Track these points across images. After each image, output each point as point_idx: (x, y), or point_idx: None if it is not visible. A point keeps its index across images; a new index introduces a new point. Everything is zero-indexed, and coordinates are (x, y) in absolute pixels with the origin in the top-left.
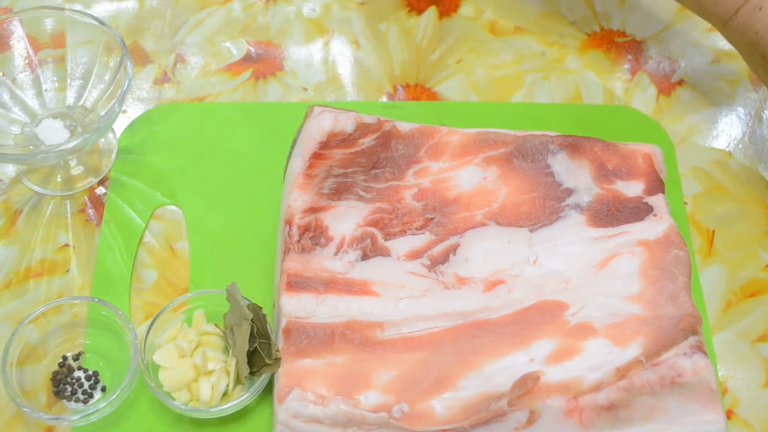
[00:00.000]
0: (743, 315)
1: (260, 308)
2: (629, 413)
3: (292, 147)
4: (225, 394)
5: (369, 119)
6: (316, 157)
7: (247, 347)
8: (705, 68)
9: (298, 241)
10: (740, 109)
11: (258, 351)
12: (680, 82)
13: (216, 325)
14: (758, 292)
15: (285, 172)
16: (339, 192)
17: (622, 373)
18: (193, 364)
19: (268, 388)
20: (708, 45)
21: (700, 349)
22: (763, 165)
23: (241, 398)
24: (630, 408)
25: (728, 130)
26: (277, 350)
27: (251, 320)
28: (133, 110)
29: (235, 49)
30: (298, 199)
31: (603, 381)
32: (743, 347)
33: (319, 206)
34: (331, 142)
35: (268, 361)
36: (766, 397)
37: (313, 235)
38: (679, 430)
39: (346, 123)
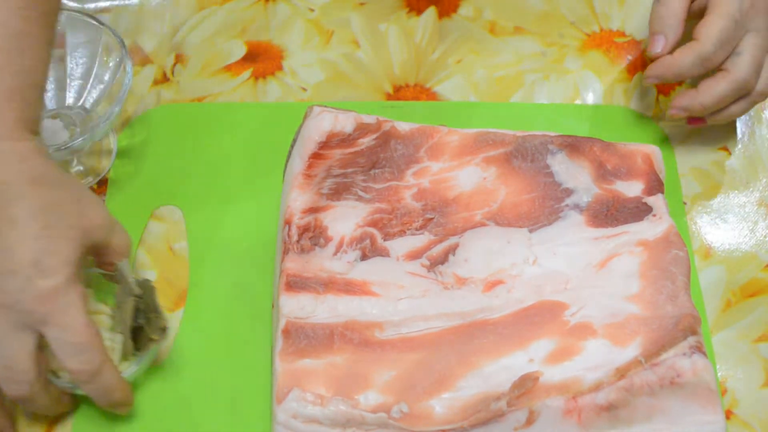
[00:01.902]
0: (743, 315)
1: (149, 282)
2: (628, 413)
3: (292, 147)
4: None
5: (368, 119)
6: (316, 157)
7: (131, 324)
8: None
9: (298, 241)
10: None
11: (143, 327)
12: (679, 84)
13: (104, 303)
14: (757, 292)
15: (284, 172)
16: (338, 192)
17: (621, 373)
18: None
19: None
20: None
21: (699, 349)
22: (763, 165)
23: (124, 373)
24: (629, 408)
25: (728, 130)
26: (165, 322)
27: (137, 296)
28: (132, 110)
29: (235, 49)
30: (297, 199)
31: (602, 381)
32: (743, 347)
33: (319, 206)
34: (330, 142)
35: (153, 337)
36: (766, 397)
37: (312, 236)
38: (679, 430)
39: (346, 123)
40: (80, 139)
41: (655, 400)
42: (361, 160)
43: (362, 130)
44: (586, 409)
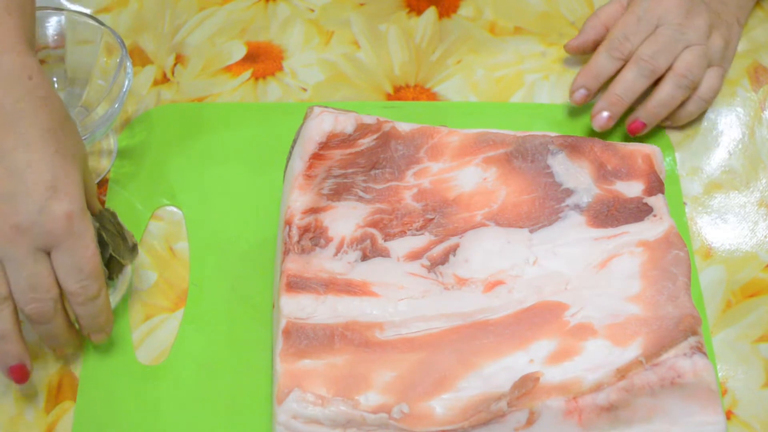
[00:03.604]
0: (743, 315)
1: (107, 210)
2: (629, 414)
3: (292, 147)
4: None
5: (369, 120)
6: (316, 157)
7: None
8: None
9: (298, 241)
10: (740, 110)
11: (112, 256)
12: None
13: None
14: (758, 293)
15: (285, 173)
16: (339, 193)
17: (622, 373)
18: None
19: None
20: None
21: (699, 349)
22: (763, 165)
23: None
24: (630, 408)
25: (728, 131)
26: (133, 240)
27: (100, 226)
28: (132, 111)
29: (235, 49)
30: (297, 199)
31: (603, 381)
32: (743, 347)
33: (319, 207)
34: (330, 142)
35: (124, 262)
36: (766, 397)
37: (312, 236)
38: (679, 431)
39: (346, 124)
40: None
41: (655, 401)
42: (362, 161)
43: (362, 130)
44: (587, 410)
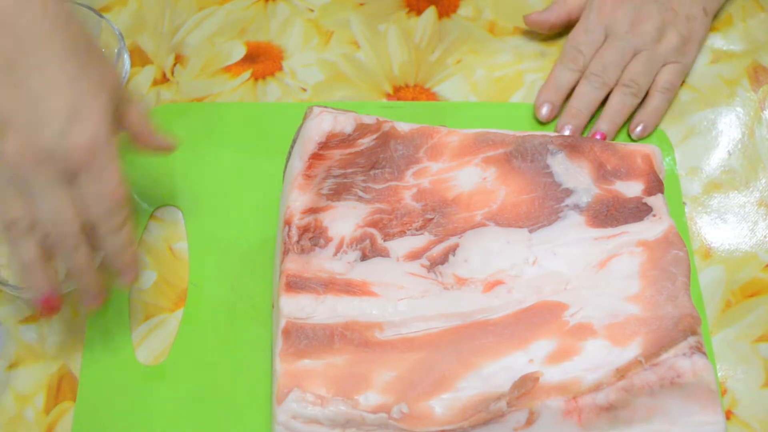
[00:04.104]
0: (743, 315)
1: None
2: (628, 414)
3: (291, 147)
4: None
5: (368, 120)
6: (316, 157)
7: None
8: (704, 68)
9: (298, 241)
10: (740, 110)
11: None
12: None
13: None
14: (758, 293)
15: (284, 173)
16: (338, 192)
17: (621, 373)
18: None
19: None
20: (707, 45)
21: (699, 349)
22: (763, 165)
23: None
24: (629, 408)
25: (728, 131)
26: None
27: None
28: None
29: (234, 49)
30: (297, 199)
31: (602, 381)
32: (743, 347)
33: (319, 207)
34: (330, 142)
35: None
36: (766, 397)
37: (312, 236)
38: (679, 431)
39: (346, 123)
40: None
41: (655, 401)
42: (361, 161)
43: (362, 130)
44: (586, 410)
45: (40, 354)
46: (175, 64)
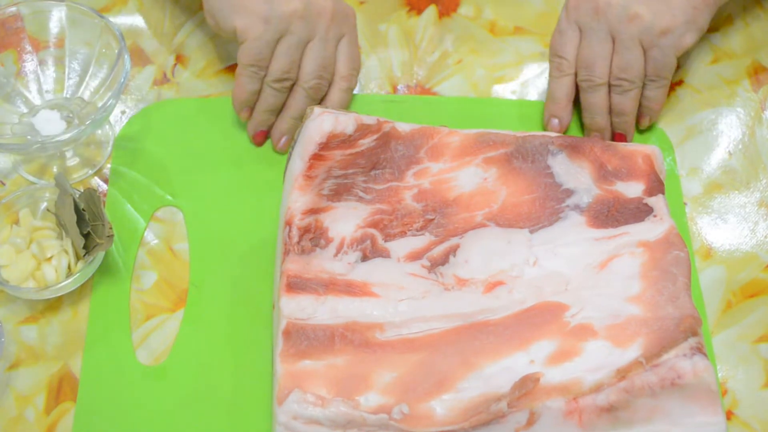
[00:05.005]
0: (743, 316)
1: (94, 192)
2: (629, 414)
3: (292, 148)
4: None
5: (369, 120)
6: (316, 158)
7: (75, 218)
8: (704, 68)
9: (298, 242)
10: (740, 110)
11: (91, 233)
12: (680, 83)
13: (48, 209)
14: (758, 293)
15: (285, 173)
16: (339, 193)
17: (622, 374)
18: (31, 255)
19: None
20: (708, 45)
21: (700, 350)
22: (763, 165)
23: (76, 272)
24: (630, 409)
25: (728, 131)
26: (110, 229)
27: (85, 204)
28: (132, 111)
29: (235, 49)
30: (298, 200)
31: (603, 382)
32: (743, 348)
33: (319, 207)
34: (330, 143)
35: (99, 241)
36: (766, 397)
37: (312, 237)
38: (680, 431)
39: (347, 124)
40: (77, 130)
41: (655, 402)
42: (362, 161)
43: (363, 131)
44: (587, 411)
45: (40, 354)
46: (175, 65)
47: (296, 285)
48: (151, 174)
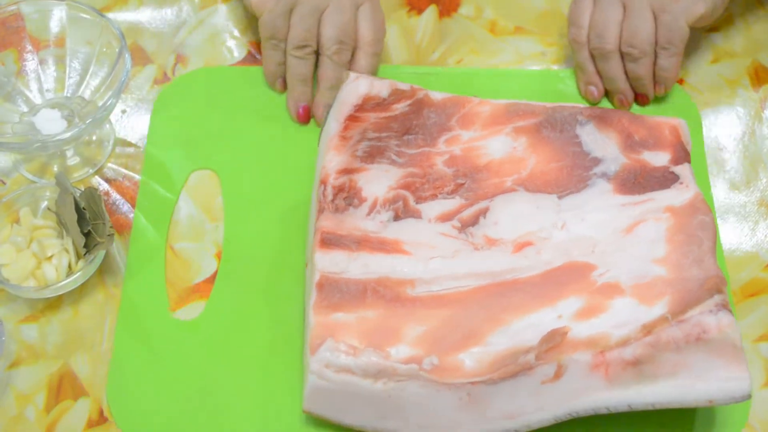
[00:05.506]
0: (743, 315)
1: (95, 191)
2: (654, 369)
3: (327, 113)
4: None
5: (403, 86)
6: (352, 119)
7: (76, 217)
8: (705, 68)
9: (332, 200)
10: (740, 109)
11: (91, 232)
12: (680, 82)
13: (48, 208)
14: (758, 292)
15: (320, 135)
16: (372, 155)
17: (648, 329)
18: (32, 254)
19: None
20: (708, 45)
21: (724, 306)
22: (763, 165)
23: (78, 271)
24: (655, 363)
25: (728, 130)
26: (111, 228)
27: (83, 206)
28: (133, 110)
29: (236, 49)
30: (333, 160)
31: (629, 337)
32: (743, 347)
33: (353, 168)
34: (366, 105)
35: (100, 240)
36: (766, 397)
37: (346, 196)
38: (703, 386)
39: (381, 88)
40: (77, 129)
41: (680, 356)
42: (395, 126)
43: (397, 95)
44: (613, 364)
45: (40, 353)
46: (176, 64)
47: (330, 241)
48: (187, 137)
